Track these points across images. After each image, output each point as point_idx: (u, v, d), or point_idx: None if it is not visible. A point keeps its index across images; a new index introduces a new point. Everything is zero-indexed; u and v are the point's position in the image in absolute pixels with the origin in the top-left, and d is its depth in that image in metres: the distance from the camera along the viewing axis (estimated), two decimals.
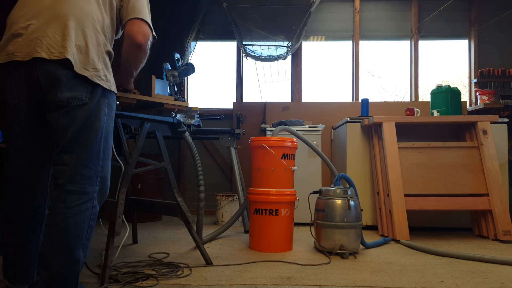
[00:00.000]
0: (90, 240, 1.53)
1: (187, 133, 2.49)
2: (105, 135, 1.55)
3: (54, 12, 1.45)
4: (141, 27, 1.62)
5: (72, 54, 1.41)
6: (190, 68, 2.63)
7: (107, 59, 1.56)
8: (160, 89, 2.14)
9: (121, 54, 1.69)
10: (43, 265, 1.43)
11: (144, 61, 1.74)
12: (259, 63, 4.59)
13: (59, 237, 1.43)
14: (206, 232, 3.02)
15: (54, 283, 1.41)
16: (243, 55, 4.57)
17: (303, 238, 3.00)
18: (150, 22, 1.67)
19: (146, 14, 1.66)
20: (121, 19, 1.67)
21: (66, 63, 1.40)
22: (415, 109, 3.55)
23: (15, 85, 1.46)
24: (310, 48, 4.77)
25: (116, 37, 1.74)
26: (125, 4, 1.64)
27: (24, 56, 1.41)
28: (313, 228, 2.63)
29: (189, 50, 4.50)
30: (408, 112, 3.56)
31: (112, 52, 1.61)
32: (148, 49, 1.69)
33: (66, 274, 1.43)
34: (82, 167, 1.47)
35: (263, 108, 4.44)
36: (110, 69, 1.58)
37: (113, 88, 1.58)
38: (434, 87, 3.62)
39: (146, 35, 1.64)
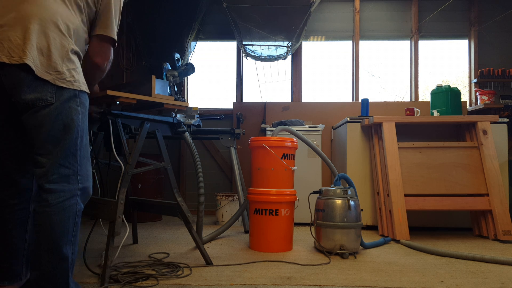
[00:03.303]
0: (77, 237, 1.53)
1: (187, 133, 2.49)
2: (81, 134, 1.54)
3: (18, 13, 1.42)
4: (102, 48, 1.64)
5: (32, 59, 1.39)
6: (190, 68, 2.63)
7: (75, 59, 1.53)
8: (160, 89, 2.14)
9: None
10: (32, 265, 1.44)
11: (102, 77, 1.74)
12: (259, 63, 4.60)
13: (45, 236, 1.43)
14: (206, 232, 3.02)
15: (45, 282, 1.42)
16: (243, 55, 4.57)
17: (303, 238, 3.00)
18: (114, 35, 1.65)
19: (111, 28, 1.64)
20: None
21: (26, 67, 1.39)
22: (415, 109, 3.55)
23: None
24: (310, 48, 4.77)
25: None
26: (99, 11, 1.63)
27: None
28: (313, 228, 2.63)
29: (189, 50, 4.50)
30: (408, 112, 3.56)
31: (80, 52, 1.58)
32: (107, 68, 1.69)
33: (55, 272, 1.43)
34: (58, 166, 1.47)
35: (263, 108, 4.44)
36: (79, 69, 1.56)
37: (83, 87, 1.55)
38: (434, 87, 3.62)
39: (106, 57, 1.65)
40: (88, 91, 1.60)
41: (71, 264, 1.49)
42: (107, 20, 1.63)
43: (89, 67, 1.64)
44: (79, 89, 1.52)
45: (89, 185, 1.58)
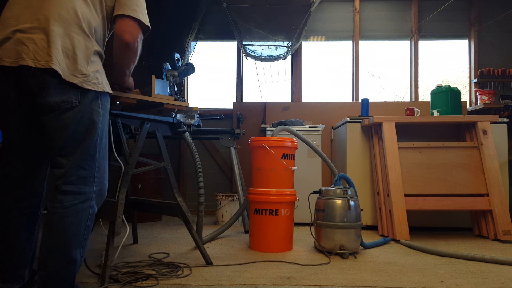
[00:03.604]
0: (87, 240, 1.53)
1: (187, 133, 2.49)
2: (100, 136, 1.55)
3: (41, 14, 1.42)
4: (129, 25, 1.57)
5: (58, 63, 1.40)
6: (190, 68, 2.63)
7: (97, 59, 1.54)
8: (160, 89, 2.14)
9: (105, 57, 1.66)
10: (40, 265, 1.44)
11: (136, 60, 1.70)
12: (259, 63, 4.60)
13: (56, 237, 1.43)
14: (206, 232, 3.02)
15: (51, 283, 1.42)
16: (243, 55, 4.57)
17: (303, 238, 3.00)
18: (142, 17, 1.59)
19: (136, 9, 1.58)
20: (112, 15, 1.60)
21: (52, 72, 1.39)
22: (415, 109, 3.55)
23: (6, 88, 1.47)
24: (310, 48, 4.77)
25: (109, 34, 1.70)
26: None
27: (12, 62, 1.40)
28: (313, 228, 2.63)
29: (189, 50, 4.50)
30: (408, 112, 3.56)
31: (102, 52, 1.58)
32: (138, 48, 1.64)
33: (62, 274, 1.44)
34: (78, 168, 1.48)
35: (263, 108, 4.44)
36: (102, 70, 1.56)
37: (107, 89, 1.56)
38: (434, 87, 3.62)
39: (134, 34, 1.58)
40: (110, 91, 1.59)
41: (78, 267, 1.49)
42: (132, 3, 1.58)
43: (119, 48, 1.59)
44: (102, 90, 1.52)
45: (104, 187, 1.58)
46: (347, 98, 4.70)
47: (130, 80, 1.88)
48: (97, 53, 1.54)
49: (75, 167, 1.47)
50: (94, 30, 1.53)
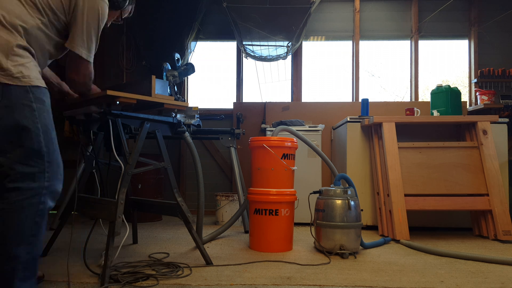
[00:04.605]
0: (37, 237, 1.47)
1: (187, 133, 2.49)
2: (43, 130, 1.48)
3: None
4: (74, 63, 1.64)
5: None
6: (190, 68, 2.63)
7: (23, 53, 1.46)
8: (160, 89, 2.14)
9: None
10: None
11: (86, 90, 1.78)
12: (259, 63, 4.60)
13: None
14: (206, 232, 3.02)
15: None
16: (243, 55, 4.57)
17: (303, 238, 3.00)
18: (79, 51, 1.62)
19: (78, 43, 1.61)
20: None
21: None
22: (415, 109, 3.55)
23: None
24: (310, 48, 4.77)
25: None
26: (72, 22, 1.60)
27: None
28: (313, 228, 2.63)
29: (189, 50, 4.50)
30: (408, 112, 3.56)
31: (31, 49, 1.51)
32: (87, 82, 1.71)
33: (1, 270, 1.39)
34: (19, 165, 1.42)
35: (263, 108, 4.44)
36: (30, 64, 1.48)
37: (36, 82, 1.48)
38: (434, 87, 3.62)
39: (80, 72, 1.66)
40: (44, 85, 1.53)
41: (24, 264, 1.43)
42: (74, 34, 1.60)
43: (69, 81, 1.63)
44: (29, 84, 1.45)
45: (57, 182, 1.53)
46: (347, 98, 4.70)
47: (93, 88, 1.92)
48: (23, 48, 1.48)
49: (17, 164, 1.42)
50: (24, 29, 1.47)
